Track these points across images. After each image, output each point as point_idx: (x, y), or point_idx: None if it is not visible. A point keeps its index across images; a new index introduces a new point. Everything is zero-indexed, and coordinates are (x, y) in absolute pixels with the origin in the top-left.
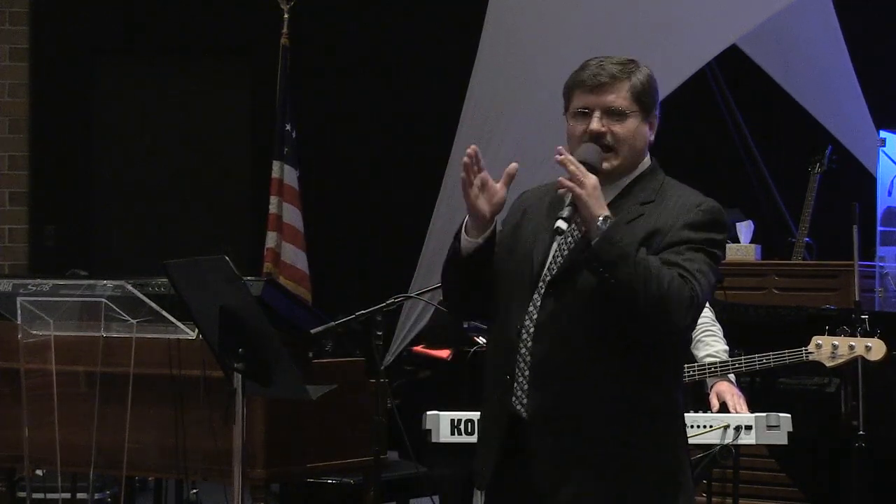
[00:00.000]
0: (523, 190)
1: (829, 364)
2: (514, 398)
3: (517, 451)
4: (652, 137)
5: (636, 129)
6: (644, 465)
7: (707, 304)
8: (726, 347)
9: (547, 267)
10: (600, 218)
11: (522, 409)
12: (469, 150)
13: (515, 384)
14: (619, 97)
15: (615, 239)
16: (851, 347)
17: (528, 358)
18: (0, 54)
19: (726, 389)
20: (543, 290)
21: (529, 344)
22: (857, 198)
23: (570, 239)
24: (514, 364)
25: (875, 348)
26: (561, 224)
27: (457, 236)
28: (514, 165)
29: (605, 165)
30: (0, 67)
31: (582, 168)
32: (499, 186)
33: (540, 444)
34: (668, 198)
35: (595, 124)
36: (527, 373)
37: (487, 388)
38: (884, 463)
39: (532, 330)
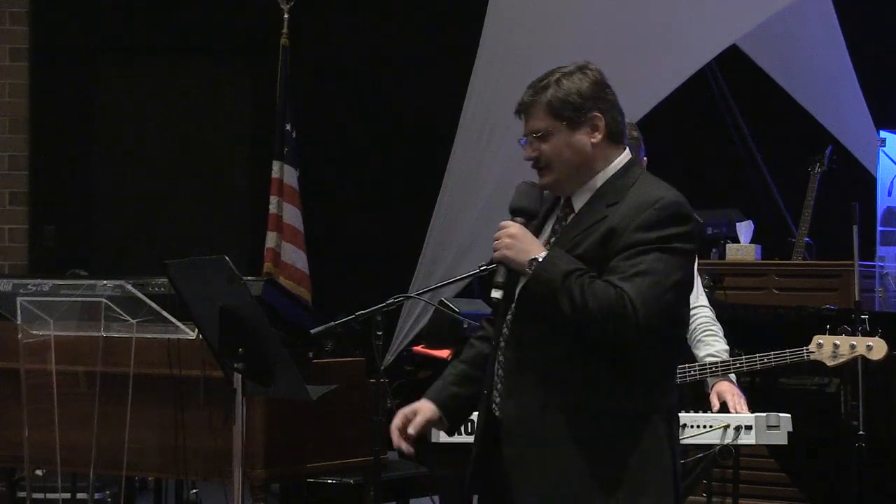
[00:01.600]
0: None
1: (830, 363)
2: (492, 401)
3: (493, 454)
4: (597, 139)
5: (564, 144)
6: (607, 465)
7: (707, 304)
8: (727, 347)
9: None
10: (527, 264)
11: (497, 410)
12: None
13: (494, 389)
14: (536, 120)
15: (541, 278)
16: (853, 347)
17: (503, 363)
18: (0, 54)
19: (727, 389)
20: (515, 304)
21: (504, 349)
22: (857, 198)
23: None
24: (494, 369)
25: (876, 348)
26: (496, 294)
27: None
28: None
29: (545, 181)
30: (0, 67)
31: (501, 231)
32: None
33: (508, 447)
34: (630, 197)
35: (526, 151)
36: (501, 375)
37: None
38: (884, 463)
39: (507, 336)
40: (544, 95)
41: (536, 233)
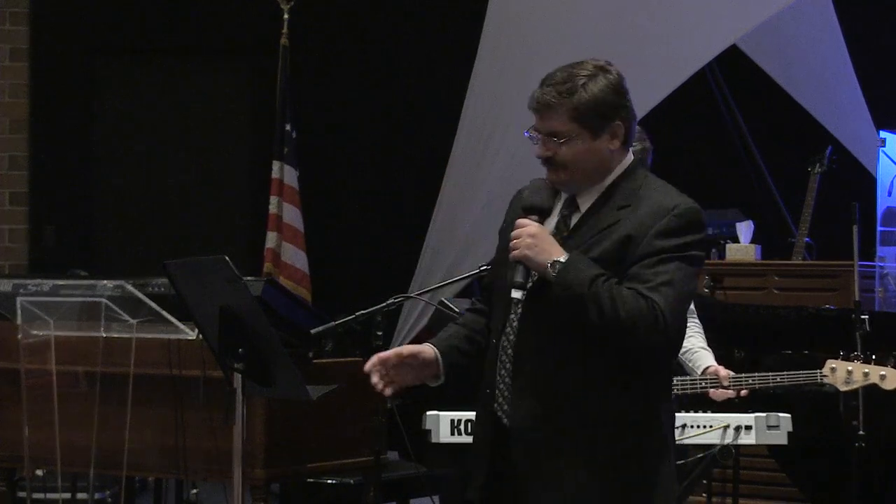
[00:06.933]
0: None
1: (842, 389)
2: (496, 405)
3: (503, 461)
4: (615, 146)
5: (585, 150)
6: (620, 474)
7: (696, 319)
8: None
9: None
10: (549, 265)
11: (504, 417)
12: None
13: (497, 392)
14: (557, 122)
15: (568, 282)
16: (866, 375)
17: (510, 367)
18: (0, 54)
19: (717, 367)
20: (522, 304)
21: (511, 353)
22: (857, 198)
23: None
24: (496, 373)
25: (889, 377)
26: (516, 294)
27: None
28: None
29: (558, 179)
30: (0, 67)
31: (520, 229)
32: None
33: (520, 454)
34: (643, 201)
35: (539, 149)
36: (508, 381)
37: (480, 392)
38: (884, 463)
39: (514, 339)
40: (571, 100)
41: None
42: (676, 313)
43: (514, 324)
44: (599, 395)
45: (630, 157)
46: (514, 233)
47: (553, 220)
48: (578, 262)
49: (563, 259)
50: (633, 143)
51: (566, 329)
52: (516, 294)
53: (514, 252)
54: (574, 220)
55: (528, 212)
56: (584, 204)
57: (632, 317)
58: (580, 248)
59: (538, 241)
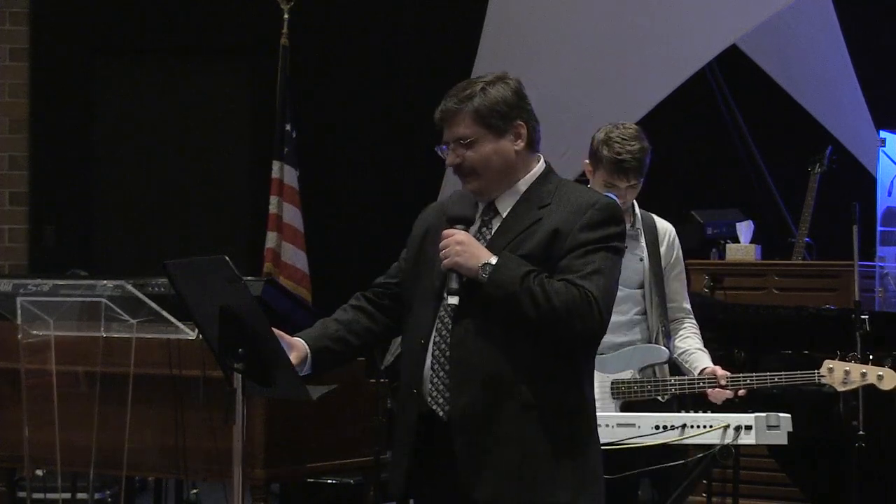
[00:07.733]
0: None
1: (840, 389)
2: (430, 399)
3: (432, 453)
4: (520, 146)
5: (492, 150)
6: (556, 460)
7: (693, 320)
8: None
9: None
10: (479, 269)
11: (440, 411)
12: None
13: (431, 387)
14: (462, 127)
15: (500, 281)
16: (863, 375)
17: (445, 363)
18: (0, 54)
19: (715, 367)
20: (457, 301)
21: (446, 351)
22: (857, 198)
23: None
24: (425, 371)
25: (887, 378)
26: (452, 301)
27: None
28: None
29: (472, 186)
30: (0, 67)
31: (447, 238)
32: None
33: (458, 444)
34: (563, 199)
35: (449, 158)
36: (444, 377)
37: (401, 392)
38: (884, 463)
39: (448, 339)
40: (470, 104)
41: None
42: (606, 299)
43: (446, 321)
44: (537, 386)
45: (543, 164)
46: (441, 243)
47: (475, 227)
48: (509, 261)
49: (493, 261)
50: (635, 144)
51: (501, 325)
52: (453, 300)
53: (444, 262)
54: (496, 224)
55: (452, 222)
56: (504, 208)
57: (566, 306)
58: (507, 249)
59: (466, 247)
